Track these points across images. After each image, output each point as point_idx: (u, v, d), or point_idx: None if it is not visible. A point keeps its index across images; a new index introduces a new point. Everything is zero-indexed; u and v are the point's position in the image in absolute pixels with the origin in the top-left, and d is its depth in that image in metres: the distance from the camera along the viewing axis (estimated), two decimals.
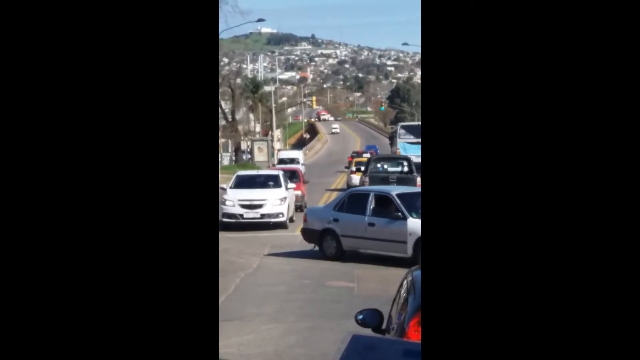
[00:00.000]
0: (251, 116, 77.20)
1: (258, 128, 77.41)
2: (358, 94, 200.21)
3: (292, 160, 48.63)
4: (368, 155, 46.93)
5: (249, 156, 63.42)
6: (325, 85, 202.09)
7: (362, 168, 34.66)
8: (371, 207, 17.77)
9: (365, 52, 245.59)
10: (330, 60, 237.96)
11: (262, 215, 24.02)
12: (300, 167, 40.00)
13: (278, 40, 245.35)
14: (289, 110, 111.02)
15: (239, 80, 72.62)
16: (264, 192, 24.60)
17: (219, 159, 51.65)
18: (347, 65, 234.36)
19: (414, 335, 5.70)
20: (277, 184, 25.35)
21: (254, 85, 73.82)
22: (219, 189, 23.04)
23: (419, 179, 30.26)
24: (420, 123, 54.09)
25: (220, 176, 36.33)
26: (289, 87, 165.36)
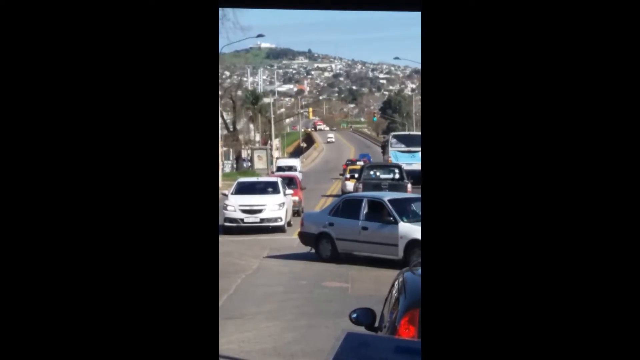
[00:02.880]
0: (251, 126, 77.16)
1: (258, 137, 77.36)
2: (352, 106, 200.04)
3: (290, 168, 48.54)
4: (361, 163, 46.85)
5: (249, 164, 63.32)
6: (321, 97, 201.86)
7: (356, 175, 34.63)
8: (364, 212, 17.77)
9: (359, 66, 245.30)
10: (326, 74, 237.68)
11: (262, 220, 23.99)
12: (297, 174, 39.96)
13: (277, 54, 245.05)
14: (287, 120, 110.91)
15: (239, 93, 72.62)
16: (264, 197, 24.59)
17: (221, 167, 51.56)
18: (341, 78, 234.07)
19: (405, 333, 5.70)
20: (275, 190, 25.34)
21: (254, 97, 73.78)
22: (221, 195, 23.03)
23: (409, 186, 30.28)
24: (410, 133, 54.15)
25: (222, 183, 36.29)
26: (287, 99, 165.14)
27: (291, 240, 21.12)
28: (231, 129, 66.37)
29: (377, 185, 29.92)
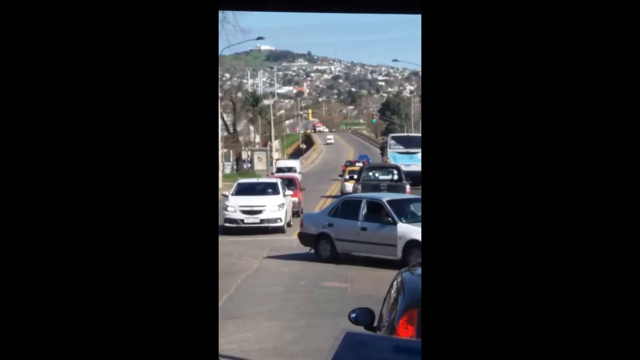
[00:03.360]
0: (251, 128, 77.17)
1: (258, 139, 77.37)
2: (351, 107, 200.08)
3: (290, 169, 48.53)
4: (360, 164, 46.84)
5: (249, 165, 63.33)
6: (320, 99, 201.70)
7: (355, 176, 34.65)
8: (363, 213, 17.78)
9: (358, 68, 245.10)
10: (325, 76, 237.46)
11: (262, 220, 24.01)
12: (297, 176, 39.95)
13: (276, 56, 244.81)
14: (287, 122, 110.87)
15: (239, 95, 72.65)
16: (263, 198, 24.60)
17: (221, 168, 51.54)
18: (341, 80, 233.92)
19: (403, 333, 5.70)
20: (275, 191, 25.35)
21: (254, 99, 73.81)
22: (222, 196, 23.05)
23: (408, 187, 30.29)
24: (409, 134, 54.18)
25: (223, 184, 36.29)
26: (286, 101, 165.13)
27: (291, 241, 21.13)
28: (231, 131, 66.40)
29: (376, 186, 29.92)
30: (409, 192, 27.89)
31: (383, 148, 50.78)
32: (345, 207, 18.34)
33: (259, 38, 64.04)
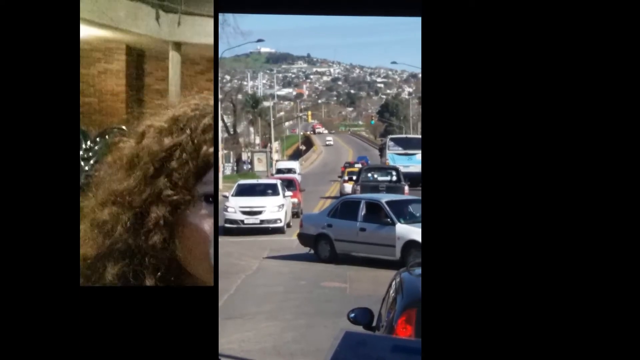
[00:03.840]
0: (251, 129, 77.20)
1: (258, 140, 77.38)
2: (350, 109, 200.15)
3: (289, 170, 48.47)
4: (359, 165, 46.78)
5: (249, 166, 63.30)
6: (319, 101, 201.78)
7: (354, 177, 34.63)
8: (362, 214, 17.78)
9: (357, 70, 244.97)
10: (325, 78, 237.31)
11: (262, 221, 23.99)
12: (296, 177, 39.91)
13: (276, 59, 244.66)
14: (286, 123, 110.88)
15: (240, 96, 72.69)
16: (263, 199, 24.58)
17: (222, 169, 51.51)
18: (340, 82, 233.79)
19: (402, 332, 5.69)
20: (275, 192, 25.34)
21: (254, 101, 73.83)
22: (222, 197, 23.02)
23: (406, 188, 30.29)
24: (407, 136, 54.18)
25: (223, 185, 36.30)
26: (286, 103, 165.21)
27: (290, 241, 21.12)
28: (232, 132, 66.41)
29: (375, 187, 29.89)
30: (408, 193, 27.87)
31: (382, 149, 50.74)
32: (345, 208, 18.33)
33: (259, 40, 64.12)
